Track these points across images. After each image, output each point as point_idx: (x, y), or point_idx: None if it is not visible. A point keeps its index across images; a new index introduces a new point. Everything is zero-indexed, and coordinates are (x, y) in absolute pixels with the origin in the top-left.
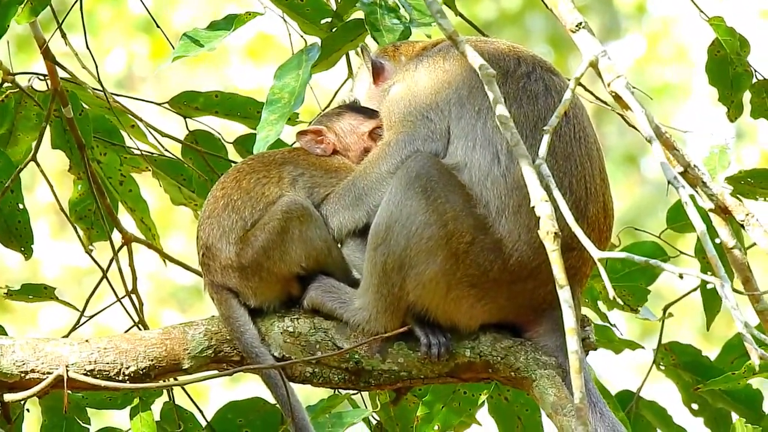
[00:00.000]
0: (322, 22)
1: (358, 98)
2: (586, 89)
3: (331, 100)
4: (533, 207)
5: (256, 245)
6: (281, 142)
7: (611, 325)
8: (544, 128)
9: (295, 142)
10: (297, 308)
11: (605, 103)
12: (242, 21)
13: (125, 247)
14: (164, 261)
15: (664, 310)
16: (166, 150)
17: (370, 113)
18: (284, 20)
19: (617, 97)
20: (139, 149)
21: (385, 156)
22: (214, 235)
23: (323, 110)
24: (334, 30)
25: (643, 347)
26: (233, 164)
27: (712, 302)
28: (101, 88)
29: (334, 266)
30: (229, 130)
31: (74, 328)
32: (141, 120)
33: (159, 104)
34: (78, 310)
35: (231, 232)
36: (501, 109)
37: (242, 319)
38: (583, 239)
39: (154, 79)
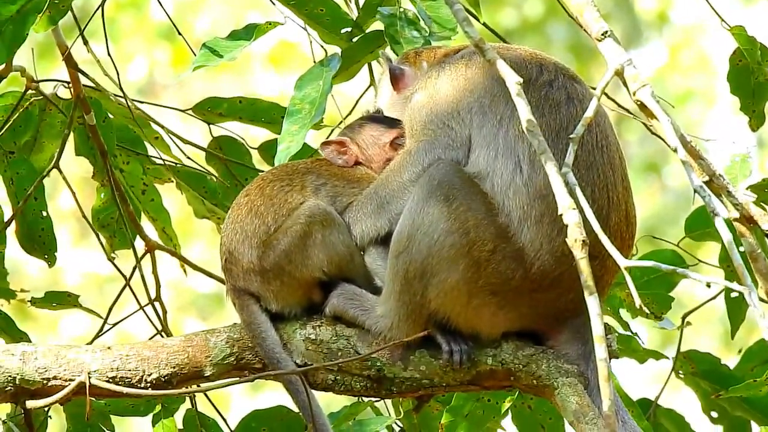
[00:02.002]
0: (342, 31)
1: (381, 107)
2: (609, 97)
3: (353, 109)
4: (560, 215)
5: (279, 249)
6: (307, 147)
7: (633, 333)
8: (570, 136)
9: (318, 151)
10: (319, 315)
11: (628, 111)
12: (263, 31)
13: (147, 255)
14: (184, 269)
15: (683, 318)
16: (189, 158)
17: (392, 123)
18: (305, 30)
19: (642, 106)
20: (162, 159)
21: (406, 164)
22: (236, 240)
23: (344, 119)
24: (354, 41)
25: (667, 357)
26: (257, 172)
27: (736, 311)
28: (123, 95)
29: (357, 273)
30: (252, 136)
31: (97, 336)
32: (163, 128)
33: (183, 111)
34: (101, 317)
35: (253, 237)
36: (528, 116)
37: (264, 325)
38: (610, 247)
39: (175, 86)
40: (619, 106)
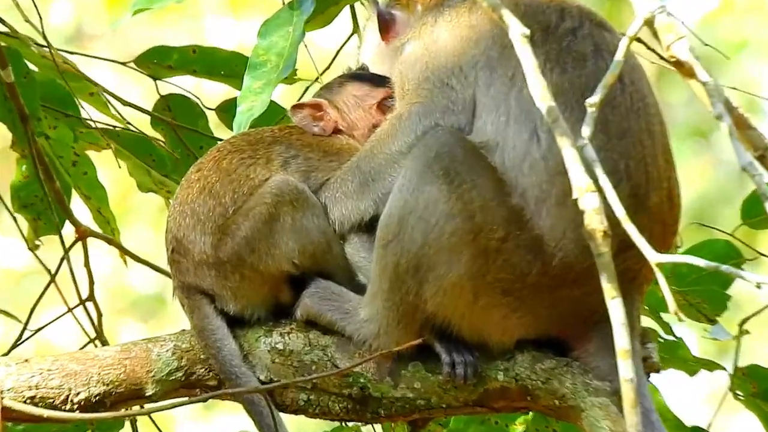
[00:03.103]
0: None
1: (365, 61)
2: (647, 47)
3: (331, 63)
4: (576, 199)
5: (238, 235)
6: (275, 108)
7: (677, 338)
8: (588, 101)
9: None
10: (288, 319)
11: (671, 64)
12: None
13: (79, 244)
14: (124, 260)
15: (740, 325)
16: (130, 124)
17: (379, 81)
18: None
19: (678, 64)
20: (96, 122)
21: (396, 132)
22: (186, 225)
23: (320, 75)
24: None
25: (723, 368)
26: (215, 140)
27: None
28: (47, 44)
29: (335, 266)
30: (209, 95)
31: (14, 346)
32: (98, 86)
33: (122, 63)
34: (19, 321)
35: (207, 221)
36: (535, 73)
37: (219, 331)
38: (637, 237)
39: (108, 36)
40: (661, 57)
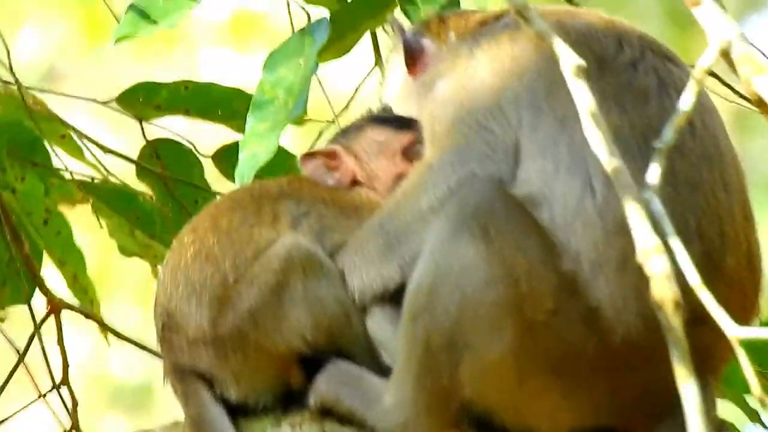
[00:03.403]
0: None
1: (389, 99)
2: (722, 82)
3: (349, 102)
4: (641, 262)
5: (240, 307)
6: (283, 154)
7: (765, 426)
8: (656, 145)
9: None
10: (300, 408)
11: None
12: None
13: (51, 317)
14: (106, 338)
15: None
16: (111, 173)
17: (405, 124)
18: None
19: (761, 102)
20: (71, 171)
21: (425, 184)
22: (179, 296)
23: (336, 116)
24: (349, 1)
25: None
26: (210, 195)
27: None
28: (15, 81)
29: (355, 344)
30: (204, 141)
31: None
32: (75, 130)
33: (103, 103)
34: None
35: (204, 291)
36: (589, 113)
37: (219, 422)
38: (713, 307)
39: (84, 76)
40: (738, 94)
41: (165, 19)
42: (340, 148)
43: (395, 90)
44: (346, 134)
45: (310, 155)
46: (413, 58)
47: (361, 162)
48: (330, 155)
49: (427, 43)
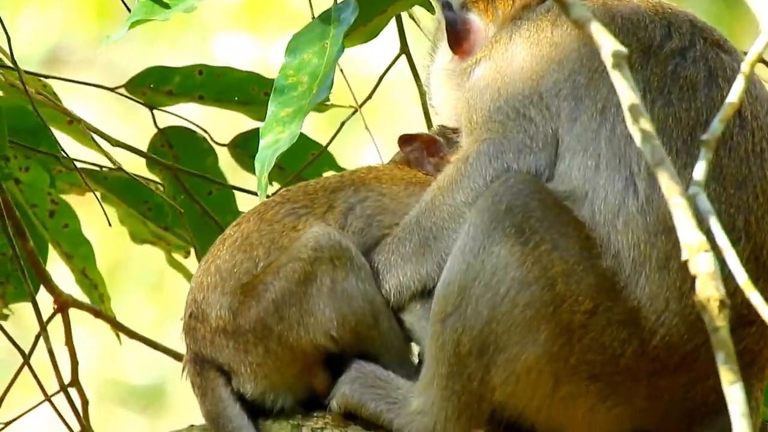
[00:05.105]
0: None
1: (428, 82)
2: None
3: (374, 89)
4: (685, 260)
5: (265, 298)
6: (306, 142)
7: None
8: (703, 138)
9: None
10: (321, 411)
11: None
12: None
13: (58, 315)
14: (118, 336)
15: None
16: (119, 167)
17: None
18: None
19: None
20: (77, 160)
21: (462, 177)
22: (207, 285)
23: (364, 101)
24: None
25: None
26: (227, 187)
27: None
28: (14, 66)
29: (382, 345)
30: (219, 126)
31: None
32: (80, 119)
33: (112, 89)
34: None
35: (230, 278)
36: (634, 107)
37: (238, 420)
38: (762, 308)
39: (90, 62)
40: None
41: (181, 3)
42: (442, 138)
43: (436, 72)
44: (442, 134)
45: (410, 138)
46: (457, 36)
47: None
48: (431, 142)
49: (475, 19)
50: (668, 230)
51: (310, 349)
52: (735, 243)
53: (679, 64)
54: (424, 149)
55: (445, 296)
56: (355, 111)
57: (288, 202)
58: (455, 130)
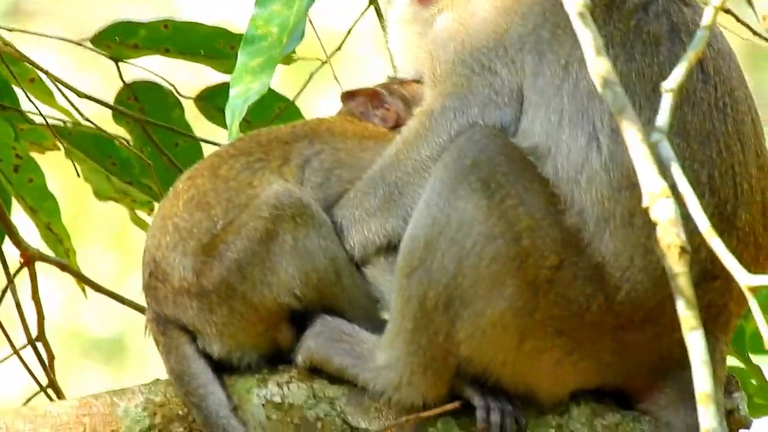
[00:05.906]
0: None
1: (390, 32)
2: (737, 19)
3: (342, 43)
4: (647, 207)
5: (227, 258)
6: (273, 96)
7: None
8: (664, 86)
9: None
10: (287, 366)
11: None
12: None
13: (24, 269)
14: (83, 290)
15: None
16: (86, 118)
17: None
18: None
19: None
20: (42, 115)
21: (426, 131)
22: (166, 244)
23: (332, 53)
24: None
25: None
26: (193, 140)
27: None
28: None
29: (346, 300)
30: (185, 79)
31: None
32: (44, 71)
33: (77, 43)
34: None
35: (190, 238)
36: (595, 51)
37: (203, 376)
38: (723, 255)
39: (53, 13)
40: (755, 33)
41: None
42: (384, 91)
43: (396, 16)
44: (385, 86)
45: (352, 93)
46: None
47: (410, 107)
48: (373, 95)
49: None
50: (632, 186)
51: (274, 307)
52: (699, 197)
53: (642, 19)
54: (368, 103)
55: (411, 251)
56: (324, 63)
57: (242, 155)
58: (402, 81)
